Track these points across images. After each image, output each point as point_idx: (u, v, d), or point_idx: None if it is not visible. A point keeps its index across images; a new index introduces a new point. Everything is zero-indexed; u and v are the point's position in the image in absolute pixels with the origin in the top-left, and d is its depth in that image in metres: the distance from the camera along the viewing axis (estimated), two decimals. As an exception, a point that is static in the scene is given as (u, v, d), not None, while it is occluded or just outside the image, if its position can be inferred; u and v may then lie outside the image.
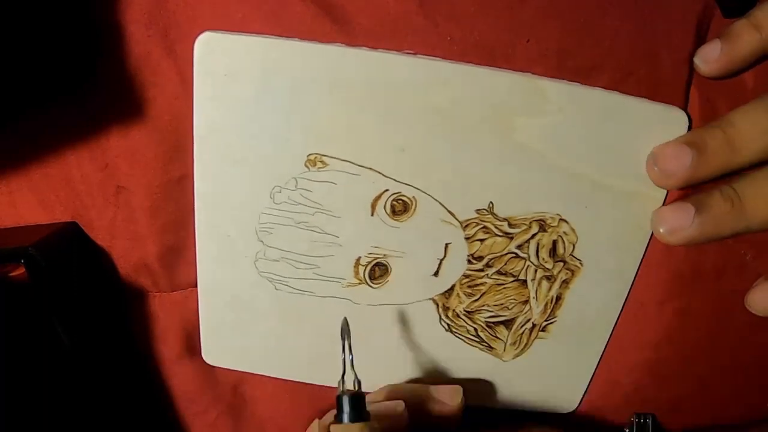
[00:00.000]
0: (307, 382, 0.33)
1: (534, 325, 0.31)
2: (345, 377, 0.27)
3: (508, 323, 0.31)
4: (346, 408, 0.26)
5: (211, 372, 0.35)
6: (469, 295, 0.30)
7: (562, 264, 0.29)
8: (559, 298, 0.30)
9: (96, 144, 0.28)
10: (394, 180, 0.28)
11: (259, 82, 0.26)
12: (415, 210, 0.28)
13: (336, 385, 0.26)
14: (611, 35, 0.26)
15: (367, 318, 0.30)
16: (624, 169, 0.27)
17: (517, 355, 0.32)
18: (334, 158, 0.27)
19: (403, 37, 0.26)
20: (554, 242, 0.28)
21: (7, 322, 0.28)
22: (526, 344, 0.31)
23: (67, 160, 0.29)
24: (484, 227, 0.28)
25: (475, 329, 0.31)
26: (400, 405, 0.28)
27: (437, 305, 0.30)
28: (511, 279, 0.30)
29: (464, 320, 0.31)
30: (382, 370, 0.32)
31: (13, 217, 0.31)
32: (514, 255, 0.29)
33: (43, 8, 0.26)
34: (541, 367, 0.32)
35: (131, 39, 0.27)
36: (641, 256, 0.29)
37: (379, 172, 0.27)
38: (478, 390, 0.33)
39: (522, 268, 0.29)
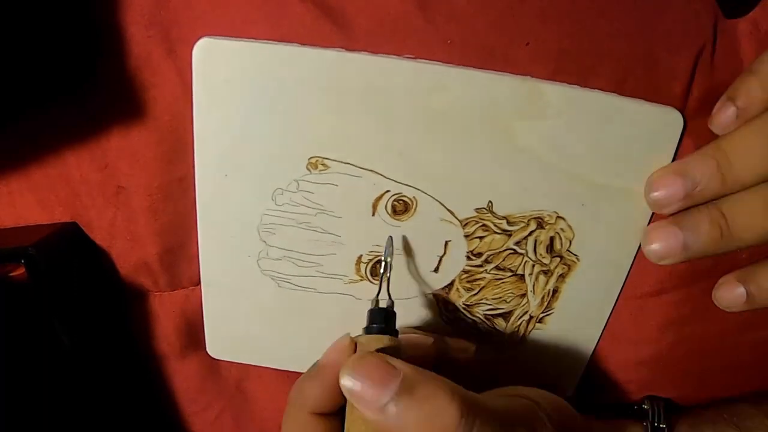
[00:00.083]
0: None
1: (531, 317, 0.31)
2: (380, 296, 0.27)
3: (506, 315, 0.32)
4: (376, 320, 0.26)
5: (213, 370, 0.35)
6: (469, 289, 0.31)
7: (559, 259, 0.30)
8: (555, 291, 0.31)
9: (96, 144, 0.28)
10: (395, 181, 0.28)
11: (258, 87, 0.26)
12: (415, 210, 0.29)
13: None
14: (610, 36, 0.26)
15: (365, 312, 0.31)
16: (621, 169, 0.27)
17: (514, 346, 0.33)
18: (335, 161, 0.27)
19: (403, 38, 0.26)
20: (551, 239, 0.29)
21: (7, 322, 0.28)
22: (523, 335, 0.32)
23: (66, 160, 0.29)
24: (483, 225, 0.29)
25: (474, 321, 0.32)
26: (430, 338, 0.28)
27: (437, 300, 0.31)
28: (509, 274, 0.30)
29: (463, 313, 0.31)
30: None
31: (13, 217, 0.31)
32: (512, 251, 0.29)
33: (43, 8, 0.26)
34: (537, 357, 0.33)
35: (131, 39, 0.27)
36: (636, 251, 0.29)
37: (380, 174, 0.28)
38: (476, 379, 0.34)
39: (520, 264, 0.30)
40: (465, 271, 0.30)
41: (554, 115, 0.26)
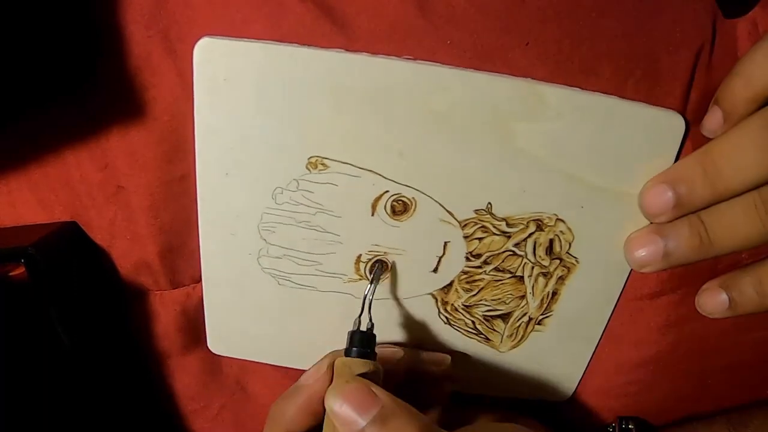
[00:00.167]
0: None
1: (530, 319, 0.31)
2: (362, 317, 0.29)
3: (505, 317, 0.31)
4: (358, 344, 0.27)
5: (213, 366, 0.35)
6: (468, 290, 0.31)
7: (558, 261, 0.30)
8: (555, 293, 0.31)
9: (96, 144, 0.28)
10: (394, 182, 0.28)
11: (258, 86, 0.26)
12: (414, 210, 0.29)
13: None
14: (610, 37, 0.26)
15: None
16: (621, 172, 0.27)
17: (513, 347, 0.33)
18: (335, 161, 0.27)
19: (403, 39, 0.26)
20: (551, 241, 0.29)
21: (7, 322, 0.28)
22: (522, 336, 0.32)
23: (66, 160, 0.29)
24: (483, 226, 0.29)
25: (473, 322, 0.32)
26: (399, 352, 0.30)
27: (436, 299, 0.31)
28: (509, 275, 0.30)
29: (462, 314, 0.31)
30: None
31: (13, 216, 0.31)
32: (511, 253, 0.29)
33: (43, 8, 0.26)
34: (536, 358, 0.33)
35: (131, 39, 0.27)
36: None
37: (379, 174, 0.28)
38: (475, 379, 0.34)
39: (519, 265, 0.30)
40: (464, 272, 0.30)
41: (554, 117, 0.26)
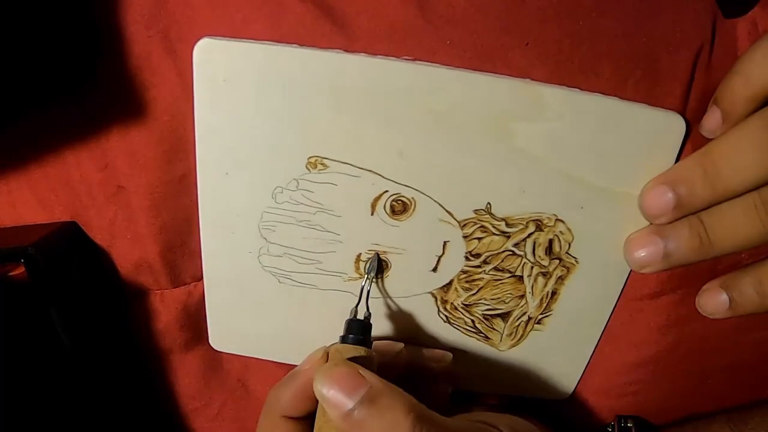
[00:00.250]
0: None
1: (530, 318, 0.32)
2: (359, 307, 0.29)
3: (504, 316, 0.32)
4: (353, 331, 0.28)
5: (215, 364, 0.35)
6: (467, 289, 0.31)
7: (558, 261, 0.30)
8: (554, 293, 0.31)
9: (96, 144, 0.28)
10: (394, 182, 0.28)
11: (258, 87, 0.26)
12: (414, 210, 0.29)
13: None
14: (610, 37, 0.26)
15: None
16: (621, 172, 0.27)
17: (513, 346, 0.33)
18: (334, 161, 0.28)
19: (403, 39, 0.26)
20: (550, 241, 0.29)
21: (7, 322, 0.28)
22: (522, 336, 0.32)
23: (66, 160, 0.29)
24: (482, 226, 0.29)
25: (473, 321, 0.32)
26: (399, 345, 0.30)
27: (436, 298, 0.31)
28: (508, 275, 0.30)
29: (462, 312, 0.32)
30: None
31: (13, 216, 0.31)
32: (510, 253, 0.30)
33: (43, 8, 0.26)
34: (536, 357, 0.33)
35: (131, 39, 0.27)
36: None
37: (379, 174, 0.28)
38: (475, 377, 0.34)
39: (518, 265, 0.30)
40: (463, 272, 0.30)
41: (554, 117, 0.26)
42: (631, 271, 0.30)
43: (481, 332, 0.32)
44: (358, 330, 0.28)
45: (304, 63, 0.26)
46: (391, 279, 0.31)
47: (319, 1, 0.26)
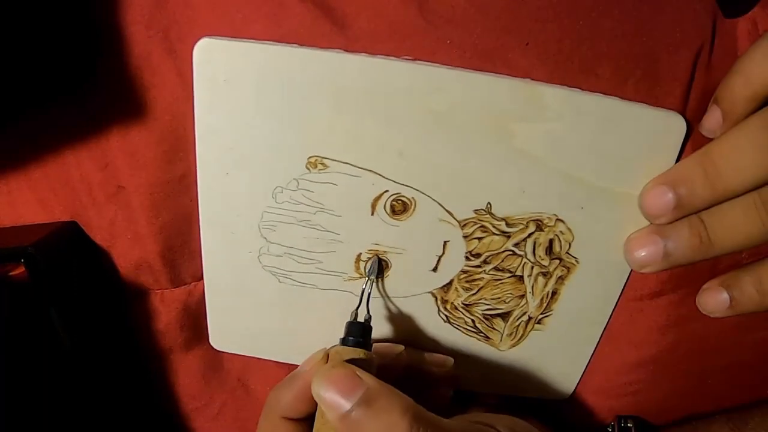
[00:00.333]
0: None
1: (530, 318, 0.32)
2: (359, 309, 0.29)
3: (504, 316, 0.32)
4: (353, 333, 0.28)
5: (214, 365, 0.35)
6: (467, 289, 0.31)
7: (558, 261, 0.30)
8: (554, 293, 0.31)
9: (96, 144, 0.28)
10: (394, 181, 0.28)
11: (258, 87, 0.26)
12: (414, 210, 0.29)
13: None
14: (610, 37, 0.26)
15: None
16: (621, 172, 0.27)
17: (513, 346, 0.33)
18: (335, 161, 0.28)
19: (403, 39, 0.26)
20: (551, 241, 0.29)
21: (7, 322, 0.28)
22: (522, 335, 0.32)
23: (66, 160, 0.29)
24: (482, 226, 0.29)
25: (473, 321, 0.32)
26: (399, 347, 0.30)
27: (436, 298, 0.31)
28: (508, 275, 0.30)
29: (462, 312, 0.32)
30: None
31: (13, 216, 0.31)
32: (511, 252, 0.30)
33: (43, 8, 0.26)
34: (536, 357, 0.33)
35: (131, 39, 0.27)
36: None
37: (379, 174, 0.28)
38: (475, 377, 0.34)
39: (519, 265, 0.30)
40: (464, 271, 0.30)
41: (554, 117, 0.26)
42: (631, 271, 0.30)
43: (482, 332, 0.32)
44: (357, 332, 0.28)
45: (304, 63, 0.26)
46: (391, 279, 0.31)
47: (319, 1, 0.26)
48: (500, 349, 0.33)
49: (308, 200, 0.29)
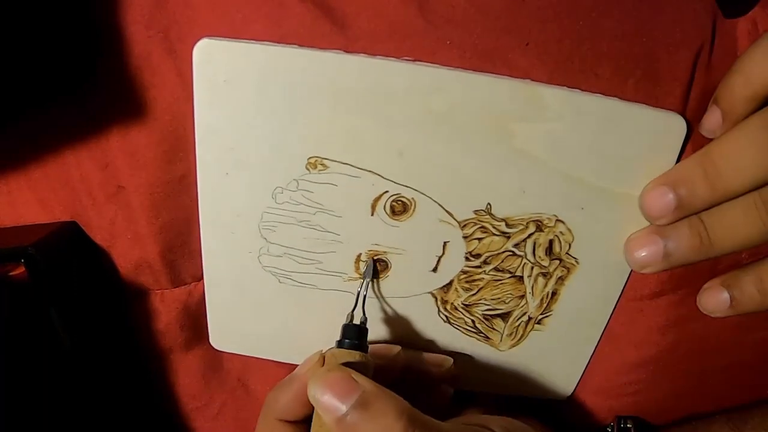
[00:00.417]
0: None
1: (530, 318, 0.32)
2: (355, 312, 0.29)
3: (504, 316, 0.32)
4: (349, 336, 0.28)
5: (214, 364, 0.35)
6: (467, 289, 0.31)
7: (558, 262, 0.30)
8: (554, 293, 0.31)
9: (96, 144, 0.28)
10: (394, 182, 0.28)
11: (258, 88, 0.26)
12: (414, 210, 0.29)
13: None
14: (610, 37, 0.25)
15: (367, 310, 0.31)
16: (621, 173, 0.27)
17: (513, 346, 0.33)
18: (334, 161, 0.28)
19: (403, 39, 0.26)
20: (550, 241, 0.29)
21: (7, 322, 0.28)
22: (522, 336, 0.32)
23: (66, 160, 0.29)
24: (482, 227, 0.29)
25: (473, 321, 0.32)
26: (395, 348, 0.30)
27: (436, 298, 0.31)
28: (508, 275, 0.30)
29: (462, 313, 0.32)
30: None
31: (13, 216, 0.31)
32: (511, 253, 0.30)
33: (43, 8, 0.26)
34: (536, 357, 0.33)
35: (131, 39, 0.27)
36: None
37: (379, 175, 0.28)
38: (474, 377, 0.34)
39: (519, 265, 0.30)
40: (463, 272, 0.30)
41: (554, 118, 0.26)
42: (631, 271, 0.30)
43: (482, 332, 0.32)
44: (353, 335, 0.28)
45: (304, 63, 0.26)
46: (391, 279, 0.31)
47: (319, 1, 0.26)
48: (500, 350, 0.33)
49: (308, 201, 0.29)
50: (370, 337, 0.30)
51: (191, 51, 0.26)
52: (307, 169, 0.28)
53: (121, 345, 0.33)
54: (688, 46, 0.26)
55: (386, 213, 0.29)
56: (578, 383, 0.34)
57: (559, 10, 0.25)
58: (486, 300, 0.31)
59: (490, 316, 0.32)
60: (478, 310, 0.31)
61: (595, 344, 0.32)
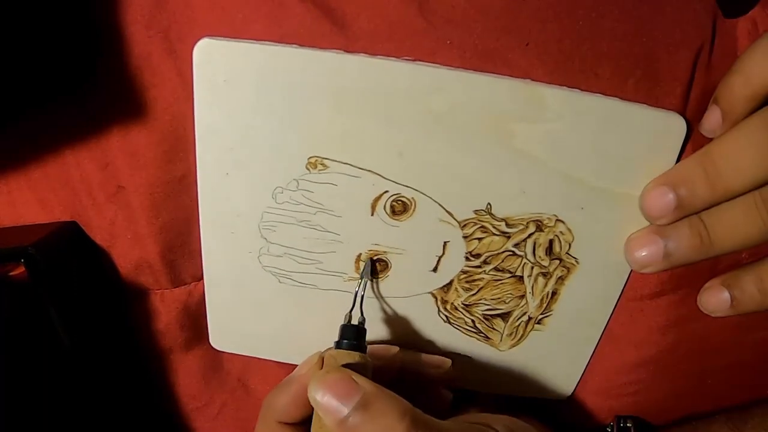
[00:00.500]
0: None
1: (530, 318, 0.32)
2: (353, 312, 0.29)
3: (504, 316, 0.32)
4: (347, 337, 0.28)
5: (215, 365, 0.35)
6: (467, 289, 0.31)
7: (558, 262, 0.30)
8: (554, 293, 0.31)
9: (96, 144, 0.28)
10: (394, 182, 0.28)
11: (258, 87, 0.26)
12: (414, 210, 0.29)
13: None
14: (610, 37, 0.25)
15: (367, 310, 0.31)
16: (622, 173, 0.27)
17: (513, 346, 0.33)
18: (334, 161, 0.28)
19: (403, 39, 0.26)
20: (551, 241, 0.29)
21: (7, 322, 0.28)
22: (522, 335, 0.32)
23: (66, 159, 0.29)
24: (482, 227, 0.29)
25: (473, 321, 0.32)
26: (393, 348, 0.31)
27: (436, 298, 0.31)
28: (508, 275, 0.30)
29: (462, 312, 0.32)
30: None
31: (13, 216, 0.31)
32: (511, 253, 0.30)
33: (43, 8, 0.26)
34: (536, 357, 0.33)
35: (131, 39, 0.27)
36: None
37: (379, 175, 0.28)
38: (474, 377, 0.34)
39: (519, 265, 0.30)
40: (464, 272, 0.30)
41: (554, 118, 0.26)
42: (631, 271, 0.30)
43: (482, 332, 0.32)
44: (352, 335, 0.28)
45: (304, 63, 0.26)
46: (391, 279, 0.31)
47: (319, 1, 0.26)
48: (500, 350, 0.33)
49: (308, 200, 0.29)
50: (371, 337, 0.30)
51: (191, 51, 0.26)
52: (307, 169, 0.28)
53: (121, 345, 0.33)
54: (688, 46, 0.26)
55: (386, 213, 0.29)
56: (578, 383, 0.34)
57: (559, 10, 0.25)
58: (486, 300, 0.31)
59: (490, 316, 0.32)
60: (478, 310, 0.31)
61: (595, 344, 0.32)
